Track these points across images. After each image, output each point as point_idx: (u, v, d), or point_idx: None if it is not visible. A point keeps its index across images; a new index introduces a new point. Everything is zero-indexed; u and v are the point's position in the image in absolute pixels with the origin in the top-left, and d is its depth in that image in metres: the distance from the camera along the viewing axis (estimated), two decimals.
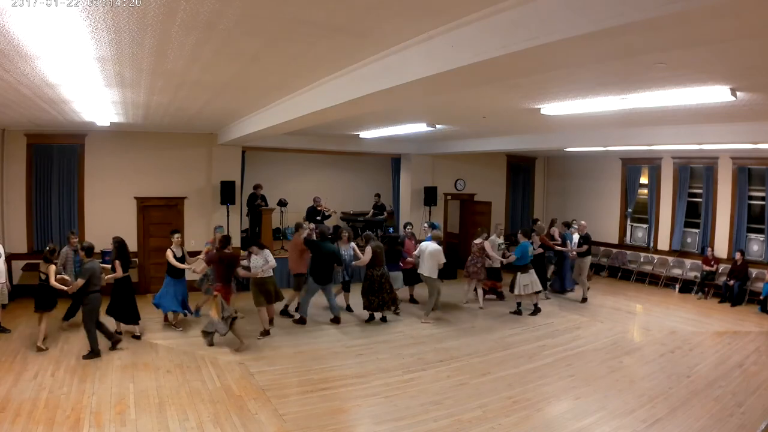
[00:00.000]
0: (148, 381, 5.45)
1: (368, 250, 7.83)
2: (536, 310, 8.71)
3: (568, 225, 10.34)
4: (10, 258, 8.46)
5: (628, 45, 2.42)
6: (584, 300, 9.67)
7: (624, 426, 4.74)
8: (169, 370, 5.80)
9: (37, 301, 6.30)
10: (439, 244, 8.23)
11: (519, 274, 8.58)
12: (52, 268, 6.23)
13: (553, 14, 2.32)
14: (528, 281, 8.54)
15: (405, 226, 9.79)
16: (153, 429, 4.43)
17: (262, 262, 7.06)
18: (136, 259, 9.17)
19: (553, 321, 8.39)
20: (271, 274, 7.22)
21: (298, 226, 8.33)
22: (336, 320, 7.87)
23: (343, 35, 3.34)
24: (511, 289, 8.72)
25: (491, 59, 2.68)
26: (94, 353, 6.05)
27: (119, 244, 6.81)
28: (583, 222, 10.41)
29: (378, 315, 8.09)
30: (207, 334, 6.66)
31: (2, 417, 4.48)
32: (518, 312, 8.66)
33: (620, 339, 7.56)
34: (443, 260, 8.14)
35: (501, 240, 9.56)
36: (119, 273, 6.62)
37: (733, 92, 4.51)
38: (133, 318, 6.83)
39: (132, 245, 8.70)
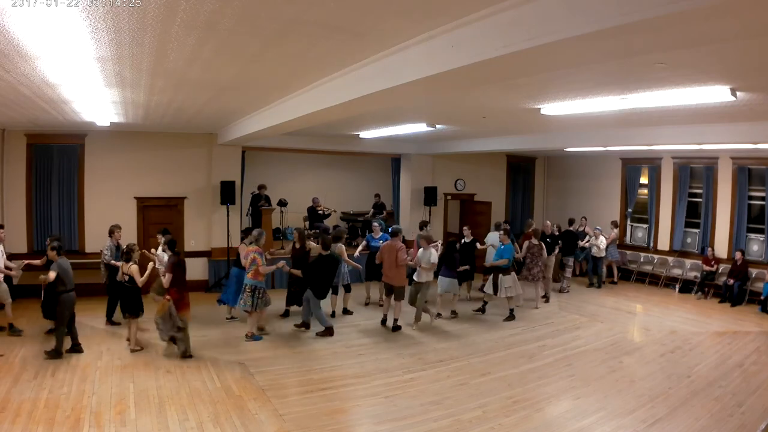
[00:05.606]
0: (148, 381, 5.44)
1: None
2: (511, 316, 8.35)
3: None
4: (9, 258, 8.46)
5: (628, 45, 2.42)
6: (545, 298, 9.59)
7: (624, 426, 4.73)
8: (169, 370, 5.80)
9: (125, 306, 6.33)
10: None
11: (501, 276, 8.16)
12: (135, 268, 6.19)
13: (553, 14, 2.33)
14: (510, 283, 8.18)
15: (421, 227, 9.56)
16: (153, 429, 4.43)
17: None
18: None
19: (553, 321, 8.39)
20: None
21: (397, 231, 7.85)
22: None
23: (343, 35, 3.34)
24: (495, 292, 8.27)
25: (491, 59, 2.69)
26: (57, 353, 5.90)
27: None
28: (548, 222, 10.79)
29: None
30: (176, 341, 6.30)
31: (2, 417, 4.47)
32: (512, 317, 8.33)
33: (620, 339, 7.55)
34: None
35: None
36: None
37: (733, 92, 4.51)
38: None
39: None
